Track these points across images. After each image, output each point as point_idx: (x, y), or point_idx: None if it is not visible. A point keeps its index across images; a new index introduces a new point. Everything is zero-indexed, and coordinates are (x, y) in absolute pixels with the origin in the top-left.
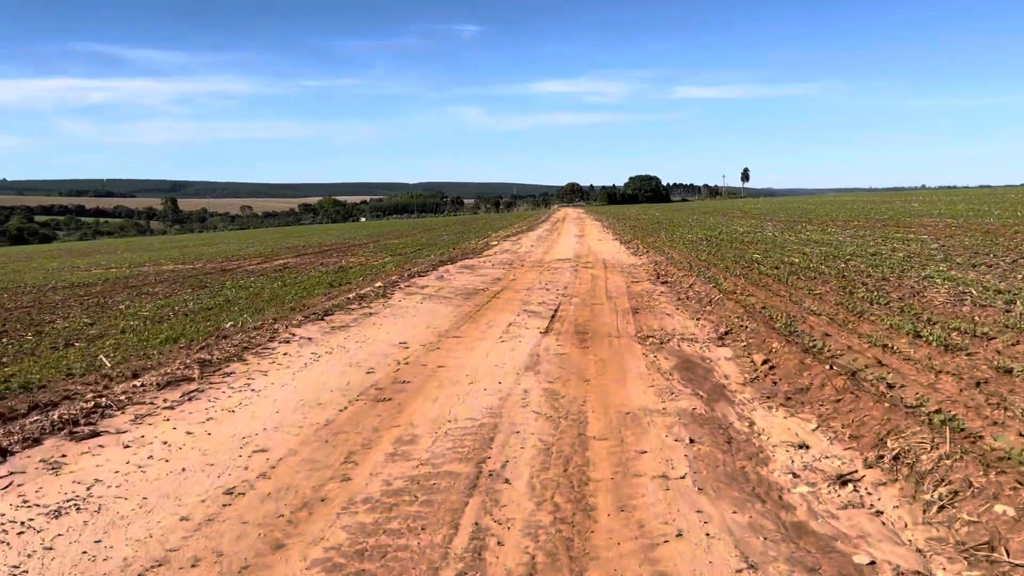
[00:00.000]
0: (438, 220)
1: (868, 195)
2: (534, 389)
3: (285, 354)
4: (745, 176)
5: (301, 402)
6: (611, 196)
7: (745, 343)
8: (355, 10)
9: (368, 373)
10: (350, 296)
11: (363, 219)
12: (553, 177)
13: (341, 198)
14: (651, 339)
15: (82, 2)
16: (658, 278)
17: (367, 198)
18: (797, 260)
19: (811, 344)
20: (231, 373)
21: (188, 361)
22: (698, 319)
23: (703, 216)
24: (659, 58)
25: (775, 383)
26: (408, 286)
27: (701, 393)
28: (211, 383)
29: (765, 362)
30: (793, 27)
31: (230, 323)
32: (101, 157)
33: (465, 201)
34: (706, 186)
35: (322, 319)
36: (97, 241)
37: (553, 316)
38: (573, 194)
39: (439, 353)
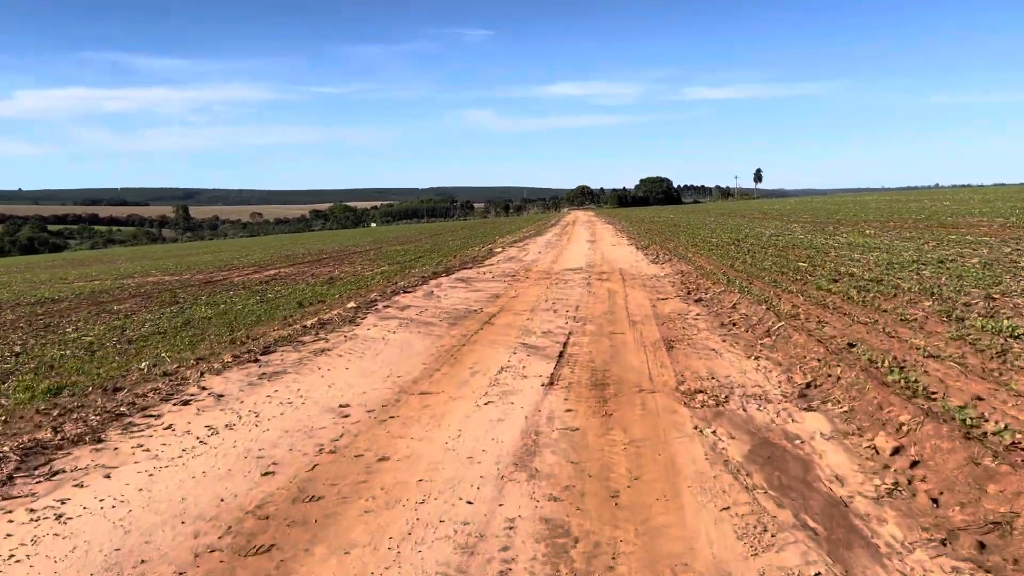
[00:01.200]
0: (446, 225)
1: (886, 194)
2: (526, 522)
3: (168, 428)
4: (758, 177)
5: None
6: (622, 199)
7: (846, 406)
8: (367, 15)
9: (265, 475)
10: (307, 324)
11: (374, 224)
12: (563, 180)
13: (352, 204)
14: (701, 396)
15: (97, 12)
16: (689, 294)
17: (378, 203)
18: (856, 270)
19: (961, 416)
20: (57, 474)
21: (12, 447)
22: (758, 359)
23: (721, 218)
24: (669, 58)
25: (934, 501)
26: (387, 306)
27: (813, 526)
28: None
29: (897, 451)
30: (802, 26)
31: (146, 363)
32: (116, 166)
33: (475, 205)
34: (718, 187)
35: (257, 359)
36: (108, 250)
37: (561, 354)
38: (583, 197)
39: (390, 427)
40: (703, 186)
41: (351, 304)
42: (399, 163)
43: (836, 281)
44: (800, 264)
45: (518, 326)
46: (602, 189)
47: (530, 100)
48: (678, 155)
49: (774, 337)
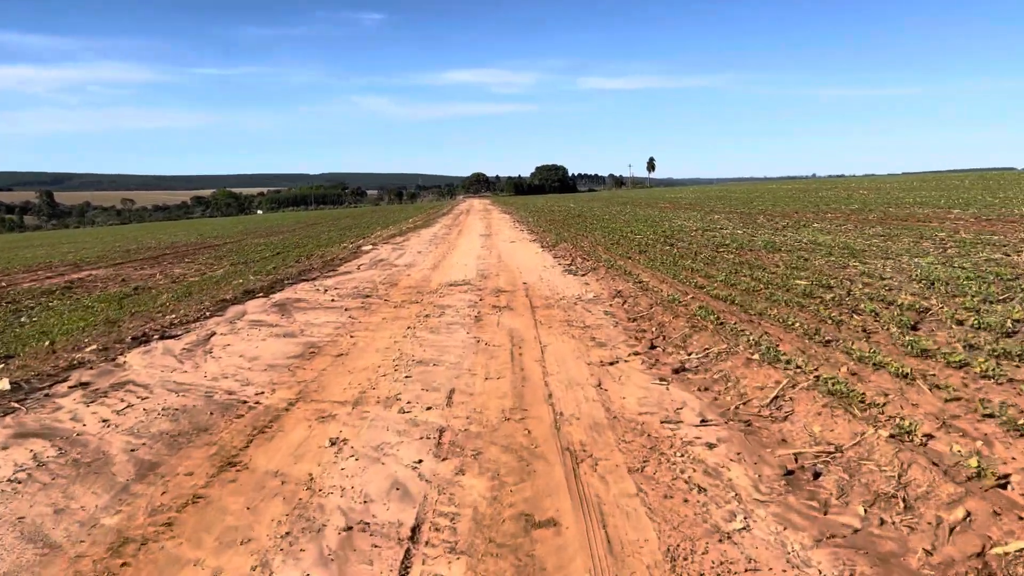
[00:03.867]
0: (331, 213)
1: (773, 183)
2: None
3: None
4: (651, 166)
5: None
6: (518, 186)
7: None
8: None
9: None
10: None
11: (260, 212)
12: (459, 168)
13: (237, 190)
14: None
15: None
16: (653, 347)
17: (265, 190)
18: (905, 296)
19: None
20: None
21: None
22: None
23: (626, 207)
24: (565, 48)
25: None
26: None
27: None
28: None
29: None
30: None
31: None
32: None
33: (369, 192)
34: (612, 176)
35: None
36: None
37: None
38: (479, 184)
39: None
40: (597, 175)
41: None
42: (289, 149)
43: (916, 328)
44: (798, 282)
45: (297, 478)
46: (498, 177)
47: (426, 87)
48: (573, 144)
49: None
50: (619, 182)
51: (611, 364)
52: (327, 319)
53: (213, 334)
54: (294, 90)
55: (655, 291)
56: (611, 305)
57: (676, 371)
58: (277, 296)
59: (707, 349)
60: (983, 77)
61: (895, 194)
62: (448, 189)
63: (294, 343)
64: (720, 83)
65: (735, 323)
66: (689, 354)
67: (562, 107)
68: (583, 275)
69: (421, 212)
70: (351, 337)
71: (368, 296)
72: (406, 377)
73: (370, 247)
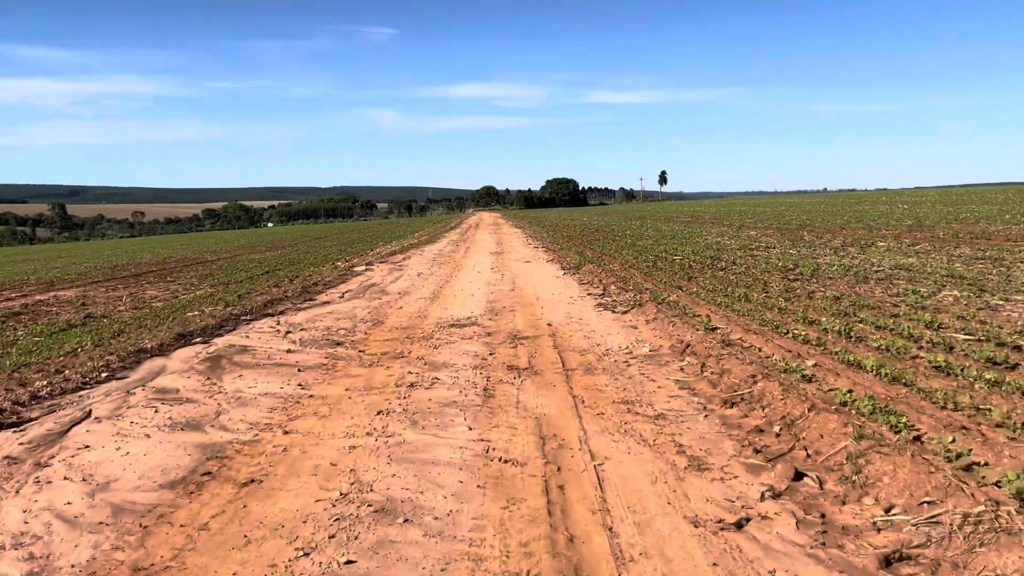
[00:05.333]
0: (339, 227)
1: (790, 197)
2: None
3: None
4: (663, 179)
5: None
6: (528, 200)
7: None
8: (266, 10)
9: None
10: None
11: (270, 224)
12: (469, 181)
13: (249, 203)
14: None
15: None
16: (799, 478)
17: (276, 203)
18: None
19: None
20: None
21: None
22: None
23: (646, 222)
24: (572, 63)
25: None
26: None
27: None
28: None
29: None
30: (700, 36)
31: None
32: None
33: (379, 205)
34: (622, 189)
35: None
36: None
37: None
38: (489, 197)
39: None
40: (607, 188)
41: None
42: (300, 162)
43: None
44: (957, 335)
45: None
46: (508, 190)
47: (436, 100)
48: (582, 158)
49: None
50: (629, 195)
51: (736, 527)
52: (266, 389)
53: (87, 416)
54: (305, 103)
55: (745, 347)
56: (683, 370)
57: (887, 563)
58: (221, 341)
59: (924, 500)
60: (996, 91)
61: (941, 208)
62: (458, 202)
63: (192, 445)
64: (728, 97)
65: (947, 438)
66: (889, 509)
67: (571, 120)
68: (624, 312)
69: (429, 226)
70: (285, 434)
71: (339, 344)
72: (346, 563)
73: (363, 268)
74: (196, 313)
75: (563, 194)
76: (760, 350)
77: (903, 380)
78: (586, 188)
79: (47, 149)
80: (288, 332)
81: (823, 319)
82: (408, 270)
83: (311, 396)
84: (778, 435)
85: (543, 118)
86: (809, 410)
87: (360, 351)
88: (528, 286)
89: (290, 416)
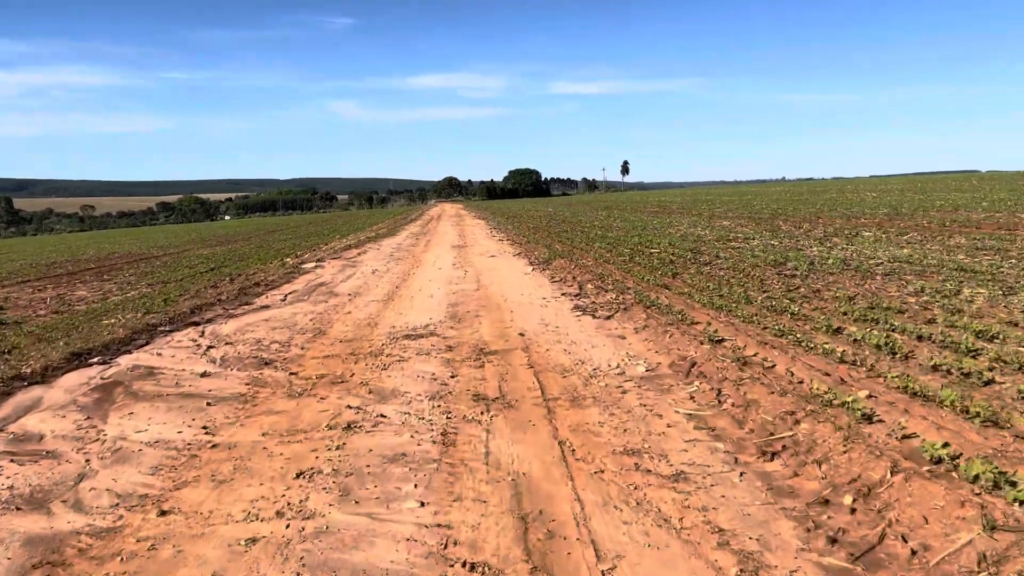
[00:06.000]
0: (295, 219)
1: (749, 187)
2: None
3: None
4: (625, 169)
5: None
6: (491, 191)
7: None
8: None
9: None
10: None
11: (227, 217)
12: (431, 172)
13: (205, 196)
14: None
15: None
16: None
17: (233, 195)
18: None
19: None
20: None
21: None
22: None
23: (612, 212)
24: (535, 53)
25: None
26: None
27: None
28: None
29: None
30: (660, 27)
31: None
32: None
33: (339, 197)
34: (584, 180)
35: None
36: None
37: None
38: (451, 188)
39: None
40: (570, 179)
41: None
42: (258, 154)
43: None
44: (1021, 348)
45: None
46: (470, 181)
47: (396, 91)
48: (545, 148)
49: None
50: (592, 186)
51: None
52: (158, 434)
53: None
54: (262, 94)
55: (767, 367)
56: (694, 398)
57: None
58: (125, 361)
59: None
60: (945, 83)
61: (911, 196)
62: (420, 194)
63: (20, 541)
64: (687, 87)
65: None
66: None
67: (533, 111)
68: (607, 317)
69: (388, 218)
70: (161, 515)
71: (268, 364)
72: None
73: (313, 264)
74: (112, 321)
75: (526, 185)
76: (789, 372)
77: (999, 422)
78: (549, 179)
79: None
80: (210, 347)
81: (849, 327)
82: (362, 267)
83: (214, 445)
84: (853, 511)
85: (506, 108)
86: (892, 472)
87: (292, 374)
88: (494, 284)
89: (177, 482)
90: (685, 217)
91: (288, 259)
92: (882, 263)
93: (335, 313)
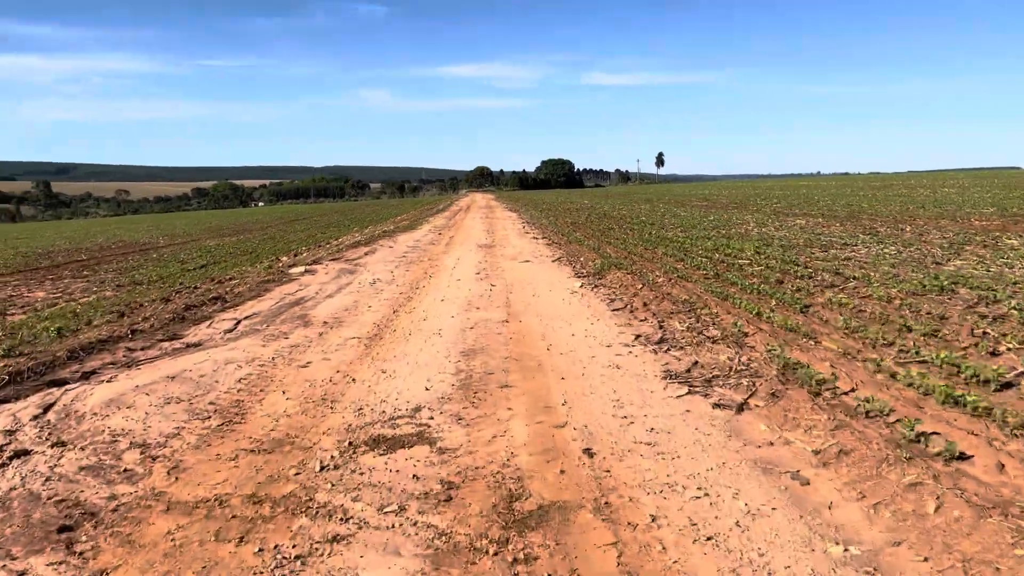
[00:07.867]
0: (324, 207)
1: (793, 181)
2: None
3: None
4: (660, 161)
5: None
6: (523, 181)
7: None
8: None
9: None
10: None
11: (260, 204)
12: (463, 162)
13: (240, 182)
14: None
15: None
16: None
17: (267, 182)
18: None
19: None
20: None
21: None
22: None
23: (656, 206)
24: (568, 44)
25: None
26: None
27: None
28: None
29: None
30: (694, 18)
31: None
32: None
33: (372, 185)
34: (617, 171)
35: None
36: None
37: None
38: (483, 178)
39: None
40: (602, 170)
41: None
42: (293, 141)
43: None
44: None
45: None
46: (502, 171)
47: (429, 80)
48: (577, 140)
49: None
50: (625, 177)
51: None
52: None
53: None
54: (297, 83)
55: None
56: None
57: None
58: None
59: None
60: (988, 74)
61: (995, 193)
62: (452, 183)
63: None
64: (721, 79)
65: None
66: None
67: (566, 102)
68: (740, 404)
69: (414, 208)
70: None
71: (66, 529)
72: None
73: (303, 269)
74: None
75: (559, 175)
76: None
77: None
78: (581, 170)
79: (37, 126)
80: (9, 459)
81: None
82: (362, 274)
83: None
84: None
85: (538, 99)
86: None
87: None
88: (530, 311)
89: None
90: (744, 213)
91: (283, 258)
92: None
93: (285, 366)
